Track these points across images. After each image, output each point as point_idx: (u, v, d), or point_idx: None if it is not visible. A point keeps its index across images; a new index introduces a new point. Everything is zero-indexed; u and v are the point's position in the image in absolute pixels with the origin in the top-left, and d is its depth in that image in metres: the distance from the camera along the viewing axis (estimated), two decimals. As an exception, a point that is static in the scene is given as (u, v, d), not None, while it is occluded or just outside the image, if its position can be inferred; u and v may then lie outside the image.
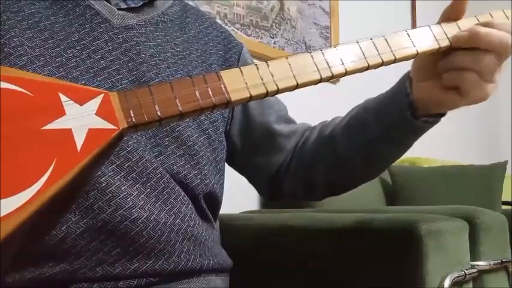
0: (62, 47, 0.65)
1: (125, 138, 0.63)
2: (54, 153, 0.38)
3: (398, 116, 0.66)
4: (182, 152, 0.68)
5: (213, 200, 0.74)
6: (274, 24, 1.84)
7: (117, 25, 0.70)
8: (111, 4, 0.71)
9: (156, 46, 0.71)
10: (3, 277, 0.53)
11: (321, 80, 0.49)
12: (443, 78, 0.61)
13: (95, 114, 0.40)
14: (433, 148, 2.24)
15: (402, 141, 0.70)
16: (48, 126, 0.39)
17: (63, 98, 0.40)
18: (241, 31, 1.69)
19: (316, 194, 0.82)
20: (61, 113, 0.39)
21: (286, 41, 1.89)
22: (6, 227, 0.35)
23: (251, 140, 0.82)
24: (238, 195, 1.41)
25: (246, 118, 0.81)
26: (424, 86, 0.64)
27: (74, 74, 0.64)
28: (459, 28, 0.59)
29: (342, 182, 0.79)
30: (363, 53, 0.52)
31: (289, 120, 0.85)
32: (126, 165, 0.63)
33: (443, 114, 0.66)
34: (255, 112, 0.81)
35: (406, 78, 0.66)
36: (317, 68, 0.49)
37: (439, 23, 0.61)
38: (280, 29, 1.87)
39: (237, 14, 1.70)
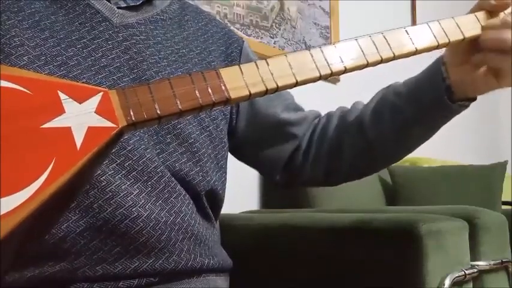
0: (63, 45, 0.65)
1: (126, 137, 0.63)
2: (54, 152, 0.38)
3: (436, 100, 0.68)
4: (184, 149, 0.68)
5: (215, 198, 0.74)
6: (274, 24, 1.84)
7: (117, 24, 0.70)
8: (110, 3, 0.71)
9: (156, 44, 0.71)
10: (3, 276, 0.53)
11: (320, 78, 0.49)
12: (486, 58, 0.62)
13: (95, 112, 0.40)
14: (433, 148, 2.23)
15: (435, 123, 0.72)
16: (48, 125, 0.39)
17: (62, 96, 0.40)
18: (241, 31, 1.69)
19: (336, 179, 0.83)
20: (60, 111, 0.39)
21: (286, 41, 1.89)
22: (6, 225, 0.35)
23: (260, 132, 0.82)
24: (238, 195, 1.41)
25: (253, 111, 0.81)
26: (460, 70, 0.65)
27: (75, 73, 0.64)
28: (457, 25, 0.59)
29: (366, 166, 0.80)
30: (362, 51, 0.52)
31: (297, 108, 0.85)
32: (127, 163, 0.63)
33: (475, 98, 0.68)
34: (261, 104, 0.81)
35: (441, 63, 0.67)
36: (316, 65, 0.49)
37: (472, 11, 0.62)
38: (280, 29, 1.87)
39: (237, 14, 1.70)
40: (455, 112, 0.69)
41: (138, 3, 0.73)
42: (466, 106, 0.69)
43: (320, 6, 2.08)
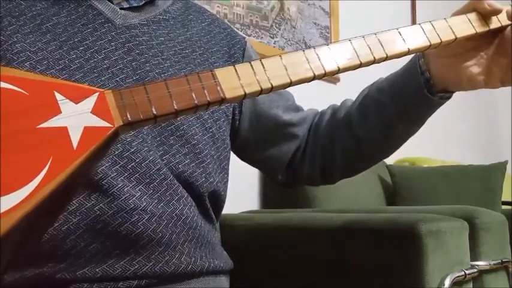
0: (65, 48, 0.65)
1: (129, 139, 0.63)
2: (50, 152, 0.38)
3: (415, 94, 0.68)
4: (187, 150, 0.68)
5: (217, 199, 0.74)
6: (274, 24, 1.84)
7: (120, 25, 0.70)
8: (113, 4, 0.71)
9: (159, 45, 0.71)
10: (2, 276, 0.53)
11: (314, 78, 0.50)
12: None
13: (91, 112, 0.40)
14: (433, 148, 2.23)
15: (419, 117, 0.72)
16: (44, 125, 0.39)
17: (58, 96, 0.40)
18: (241, 31, 1.69)
19: (332, 177, 0.84)
20: (57, 111, 0.39)
21: (286, 41, 1.89)
22: (4, 224, 0.35)
23: (262, 133, 0.82)
24: (238, 195, 1.41)
25: (255, 113, 0.82)
26: (445, 62, 0.66)
27: (77, 76, 0.63)
28: (449, 26, 0.60)
29: (358, 162, 0.81)
30: (355, 51, 0.53)
31: (298, 109, 0.86)
32: (130, 165, 0.63)
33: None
34: (263, 106, 0.82)
35: (420, 56, 0.68)
36: (310, 66, 0.50)
37: (463, 11, 0.63)
38: (280, 29, 1.87)
39: (237, 14, 1.70)
40: (437, 105, 0.69)
41: (140, 4, 0.73)
42: (447, 98, 0.69)
43: (320, 6, 2.08)
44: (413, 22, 2.67)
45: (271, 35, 1.83)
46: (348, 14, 2.20)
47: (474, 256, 0.97)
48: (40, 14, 0.67)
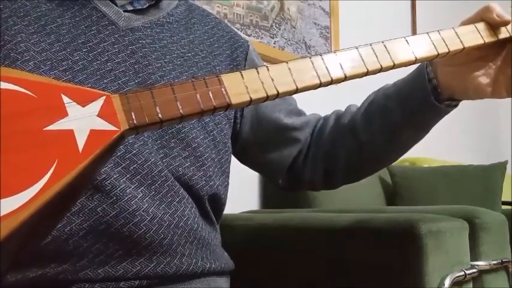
0: (69, 49, 0.65)
1: (131, 141, 0.63)
2: (56, 154, 0.38)
3: (422, 101, 0.68)
4: (188, 153, 0.68)
5: (217, 202, 0.74)
6: (274, 24, 1.84)
7: (123, 27, 0.70)
8: (117, 6, 0.71)
9: (162, 48, 0.71)
10: (4, 277, 0.54)
11: (320, 85, 0.50)
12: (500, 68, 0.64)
13: (97, 115, 0.40)
14: (433, 148, 2.23)
15: (425, 124, 0.72)
16: (50, 127, 0.39)
17: (65, 99, 0.40)
18: (241, 31, 1.69)
19: (334, 181, 0.83)
20: (63, 114, 0.40)
21: (286, 41, 1.89)
22: (7, 226, 0.35)
23: (263, 136, 0.82)
24: (238, 195, 1.41)
25: (257, 116, 0.82)
26: (452, 71, 0.66)
27: (80, 78, 0.64)
28: (457, 35, 0.60)
29: (362, 167, 0.81)
30: (362, 59, 0.53)
31: (300, 113, 0.86)
32: (132, 167, 0.63)
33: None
34: (266, 110, 0.82)
35: (428, 64, 0.68)
36: (317, 73, 0.50)
37: (471, 21, 0.63)
38: (280, 29, 1.87)
39: (237, 14, 1.70)
40: (444, 112, 0.69)
41: (144, 7, 0.73)
42: (455, 106, 0.69)
43: (320, 6, 2.08)
44: (413, 22, 2.67)
45: (271, 35, 1.83)
46: (348, 14, 2.20)
47: (474, 256, 0.97)
48: (45, 15, 0.67)
